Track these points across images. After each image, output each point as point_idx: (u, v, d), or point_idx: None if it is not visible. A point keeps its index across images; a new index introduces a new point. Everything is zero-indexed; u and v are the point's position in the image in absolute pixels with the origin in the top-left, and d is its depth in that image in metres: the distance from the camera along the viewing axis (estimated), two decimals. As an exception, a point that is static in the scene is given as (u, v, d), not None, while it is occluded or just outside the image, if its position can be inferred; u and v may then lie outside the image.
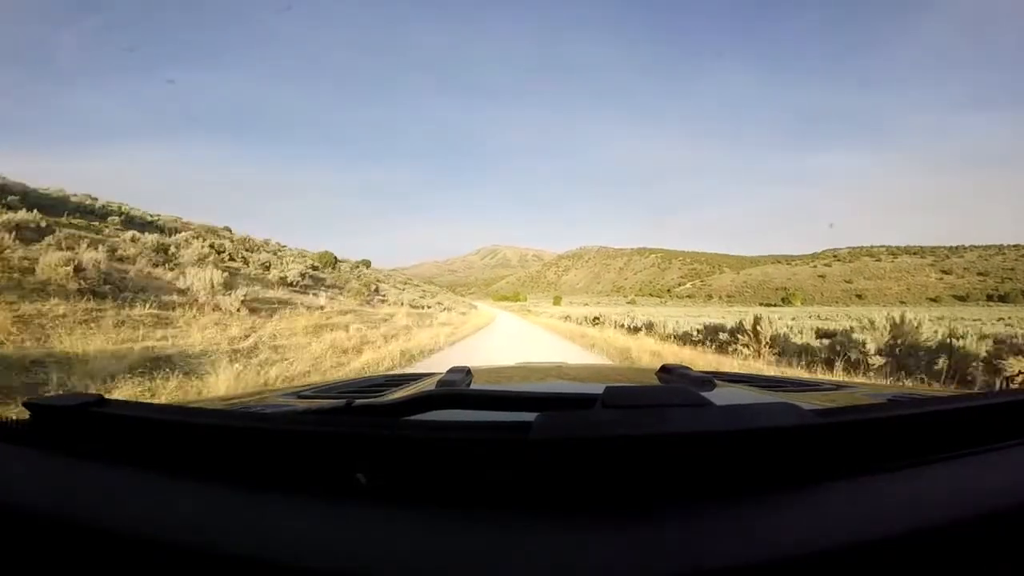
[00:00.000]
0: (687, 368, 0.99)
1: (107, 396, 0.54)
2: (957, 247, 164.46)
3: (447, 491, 0.41)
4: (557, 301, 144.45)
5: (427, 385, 0.93)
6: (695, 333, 11.80)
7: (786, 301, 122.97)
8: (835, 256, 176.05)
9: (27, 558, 0.37)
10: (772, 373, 5.40)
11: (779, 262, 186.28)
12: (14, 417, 0.55)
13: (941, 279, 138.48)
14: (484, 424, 0.45)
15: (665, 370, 1.00)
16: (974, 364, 5.63)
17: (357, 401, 0.61)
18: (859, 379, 5.44)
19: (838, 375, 5.78)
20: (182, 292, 8.88)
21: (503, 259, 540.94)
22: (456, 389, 0.71)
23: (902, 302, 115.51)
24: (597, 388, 0.50)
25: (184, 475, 0.46)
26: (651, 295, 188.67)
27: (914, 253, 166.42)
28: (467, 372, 0.94)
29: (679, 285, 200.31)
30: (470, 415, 0.55)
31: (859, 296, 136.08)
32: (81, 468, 0.48)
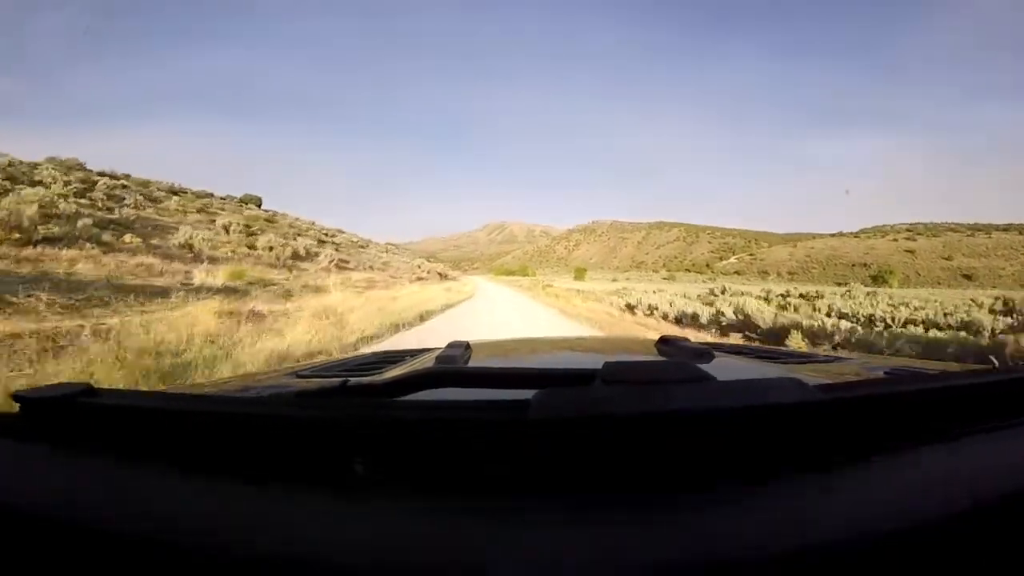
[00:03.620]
0: (686, 340, 0.98)
1: (95, 385, 0.52)
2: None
3: (446, 474, 0.40)
4: (580, 275, 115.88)
5: (425, 362, 0.92)
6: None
7: (879, 280, 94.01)
8: (911, 230, 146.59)
9: (15, 553, 0.36)
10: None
11: (843, 235, 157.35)
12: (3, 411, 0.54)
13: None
14: (482, 404, 0.44)
15: (664, 342, 0.99)
16: None
17: (353, 381, 0.61)
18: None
19: None
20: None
21: (510, 235, 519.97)
22: (453, 367, 0.71)
23: (1023, 284, 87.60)
24: (597, 362, 0.49)
25: (176, 465, 0.45)
26: (687, 270, 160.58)
27: (1003, 229, 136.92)
28: (466, 347, 0.92)
29: (720, 260, 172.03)
30: (468, 393, 0.53)
31: (967, 276, 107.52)
32: (69, 460, 0.47)
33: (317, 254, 20.25)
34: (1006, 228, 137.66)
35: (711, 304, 13.20)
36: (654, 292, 19.13)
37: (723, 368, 0.79)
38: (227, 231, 18.77)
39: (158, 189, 26.14)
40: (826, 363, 1.00)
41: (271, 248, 16.93)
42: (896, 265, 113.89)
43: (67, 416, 0.50)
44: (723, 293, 15.81)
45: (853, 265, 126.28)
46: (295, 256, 18.29)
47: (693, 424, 0.38)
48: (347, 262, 24.22)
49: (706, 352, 0.86)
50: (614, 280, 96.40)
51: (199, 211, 21.34)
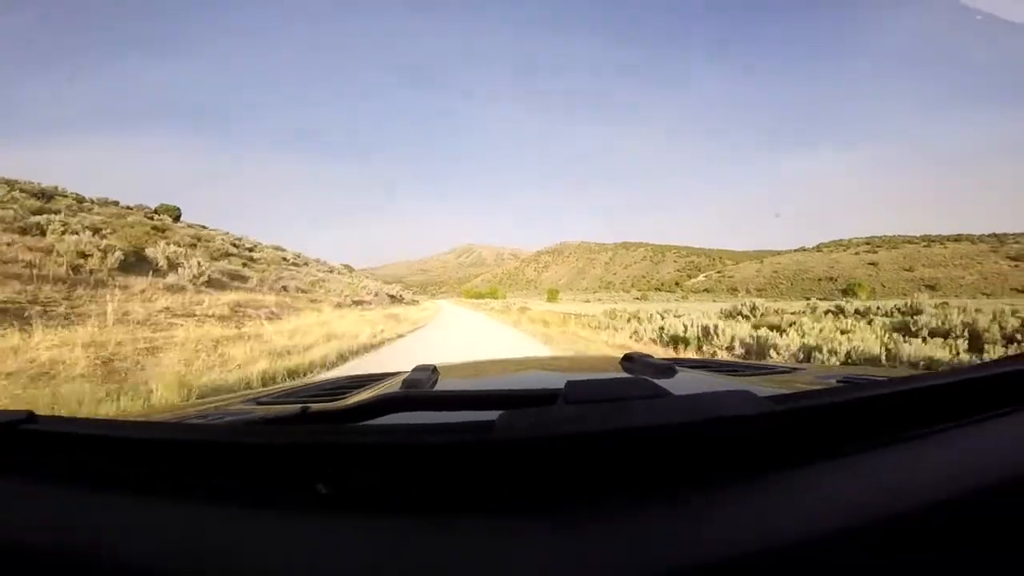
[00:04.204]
0: (649, 356, 1.02)
1: (36, 412, 0.50)
2: (1003, 234, 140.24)
3: (410, 498, 0.40)
4: (553, 296, 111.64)
5: (391, 386, 0.92)
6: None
7: (849, 293, 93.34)
8: (868, 243, 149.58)
9: None
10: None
11: (805, 250, 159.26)
12: None
13: (1016, 266, 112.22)
14: (445, 426, 0.44)
15: (628, 359, 1.02)
16: None
17: (316, 406, 0.59)
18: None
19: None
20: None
21: (478, 258, 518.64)
22: (415, 392, 0.71)
23: (985, 293, 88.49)
24: (561, 382, 0.50)
25: (127, 493, 0.43)
26: (657, 290, 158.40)
27: (954, 240, 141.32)
28: (433, 370, 0.94)
29: (688, 278, 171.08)
30: (432, 417, 0.54)
31: (930, 287, 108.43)
32: (9, 488, 0.45)
33: (179, 266, 14.46)
34: (957, 239, 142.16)
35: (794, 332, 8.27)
36: (660, 314, 14.55)
37: (682, 383, 0.83)
38: (42, 232, 13.00)
39: (20, 191, 20.13)
40: (782, 374, 1.03)
41: (86, 254, 11.18)
42: (861, 278, 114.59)
43: (7, 444, 0.48)
44: (754, 312, 10.98)
45: (819, 279, 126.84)
46: (128, 265, 12.54)
47: (651, 438, 0.39)
48: (246, 279, 18.42)
49: (668, 368, 0.89)
50: (587, 301, 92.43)
51: (35, 212, 15.35)
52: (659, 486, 0.39)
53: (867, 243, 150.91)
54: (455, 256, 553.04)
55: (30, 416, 0.49)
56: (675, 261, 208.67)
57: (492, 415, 0.41)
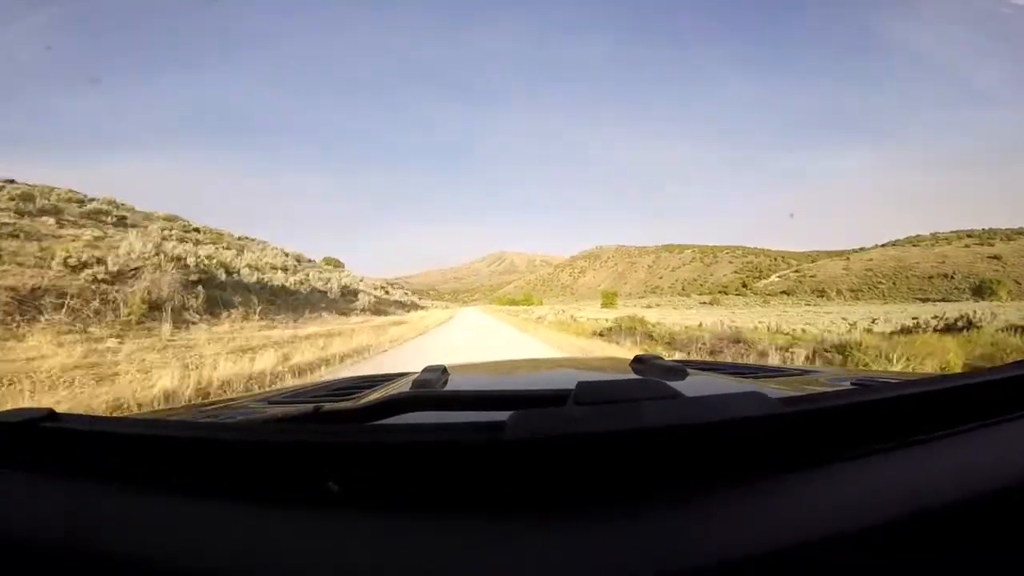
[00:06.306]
0: (659, 358, 1.01)
1: (57, 411, 0.50)
2: None
3: (421, 496, 0.40)
4: (609, 301, 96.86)
5: (401, 386, 0.92)
6: None
7: (982, 294, 74.29)
8: (971, 235, 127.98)
9: None
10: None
11: (897, 245, 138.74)
12: None
13: None
14: (456, 426, 0.44)
15: (638, 360, 1.01)
16: None
17: (327, 406, 0.60)
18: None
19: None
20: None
21: (510, 265, 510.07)
22: (426, 392, 0.71)
23: None
24: (572, 382, 0.50)
25: (145, 490, 0.43)
26: (722, 292, 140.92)
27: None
28: (443, 371, 0.94)
29: (754, 279, 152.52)
30: (443, 416, 0.54)
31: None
32: (31, 486, 0.46)
33: None
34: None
35: None
36: None
37: (693, 385, 0.80)
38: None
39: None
40: (796, 376, 1.02)
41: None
42: (984, 273, 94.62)
43: (29, 441, 0.48)
44: None
45: (930, 277, 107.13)
46: None
47: (660, 440, 0.38)
48: None
49: (679, 369, 0.87)
50: (648, 307, 76.53)
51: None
52: (668, 488, 0.39)
53: (969, 234, 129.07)
54: (486, 264, 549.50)
55: (51, 414, 0.49)
56: (731, 262, 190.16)
57: (502, 415, 0.40)
